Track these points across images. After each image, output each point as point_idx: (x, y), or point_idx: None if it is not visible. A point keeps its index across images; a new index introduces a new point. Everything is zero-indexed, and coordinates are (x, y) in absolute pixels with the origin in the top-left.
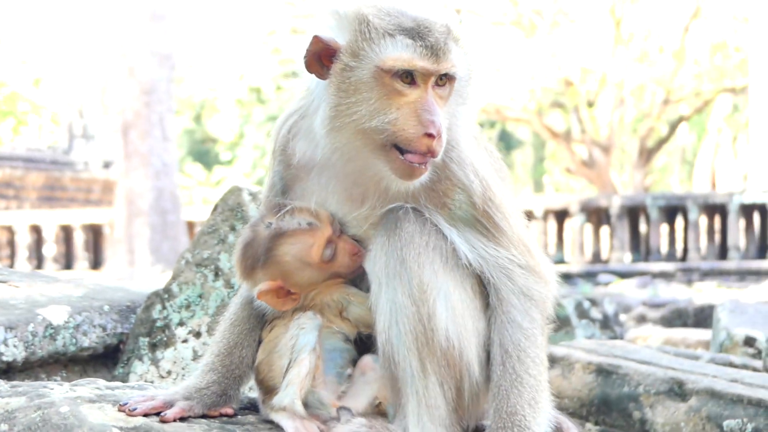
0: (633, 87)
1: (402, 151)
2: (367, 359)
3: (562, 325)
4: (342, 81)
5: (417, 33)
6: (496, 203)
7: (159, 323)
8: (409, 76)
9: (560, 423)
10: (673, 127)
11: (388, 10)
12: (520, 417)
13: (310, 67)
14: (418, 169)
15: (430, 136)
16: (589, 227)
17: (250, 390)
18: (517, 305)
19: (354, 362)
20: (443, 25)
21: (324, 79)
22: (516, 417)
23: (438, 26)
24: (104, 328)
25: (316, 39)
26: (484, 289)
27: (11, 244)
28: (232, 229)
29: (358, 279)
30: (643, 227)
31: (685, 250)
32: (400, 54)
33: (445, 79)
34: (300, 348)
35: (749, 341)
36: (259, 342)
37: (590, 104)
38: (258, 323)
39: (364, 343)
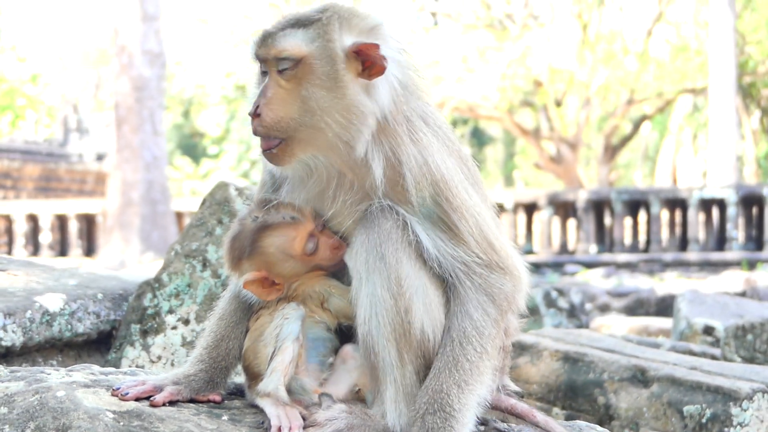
0: (599, 87)
1: None
2: (347, 348)
3: (530, 313)
4: None
5: (270, 25)
6: (453, 204)
7: (150, 311)
8: (264, 67)
9: (514, 407)
10: (637, 125)
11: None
12: (444, 395)
13: None
14: (265, 152)
15: (253, 116)
16: (556, 220)
17: (237, 375)
18: (472, 299)
19: (336, 351)
20: (308, 12)
21: None
22: (440, 395)
23: (294, 16)
24: (98, 315)
25: None
26: None
27: (9, 232)
28: (219, 222)
29: (339, 272)
30: (607, 220)
31: (648, 242)
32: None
33: (286, 64)
34: (284, 336)
35: (708, 330)
36: (247, 331)
37: (558, 103)
38: (244, 316)
39: (345, 333)
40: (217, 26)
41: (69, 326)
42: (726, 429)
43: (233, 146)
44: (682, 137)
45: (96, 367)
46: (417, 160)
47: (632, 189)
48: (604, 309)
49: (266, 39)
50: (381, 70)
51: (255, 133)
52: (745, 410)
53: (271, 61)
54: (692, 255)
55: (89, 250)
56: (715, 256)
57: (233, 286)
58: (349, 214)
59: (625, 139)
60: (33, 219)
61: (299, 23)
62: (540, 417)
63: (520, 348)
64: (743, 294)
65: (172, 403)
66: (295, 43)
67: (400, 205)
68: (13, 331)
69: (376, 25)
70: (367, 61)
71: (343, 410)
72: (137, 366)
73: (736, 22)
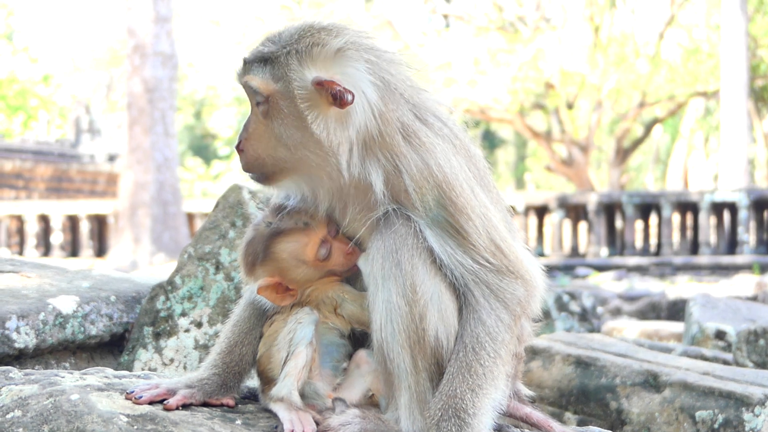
0: (610, 90)
1: None
2: (361, 353)
3: (542, 317)
4: None
5: (248, 52)
6: (458, 205)
7: (162, 313)
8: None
9: (529, 416)
10: (648, 128)
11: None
12: (459, 400)
13: None
14: (251, 176)
15: (238, 150)
16: (567, 223)
17: (250, 379)
18: (485, 306)
19: (349, 356)
20: (278, 41)
21: None
22: (455, 399)
23: (261, 49)
24: (111, 318)
25: None
26: None
27: (20, 232)
28: (233, 225)
29: (353, 277)
30: (619, 223)
31: (659, 245)
32: None
33: (259, 98)
34: (297, 341)
35: (720, 334)
36: (261, 336)
37: (570, 106)
38: (258, 322)
39: (358, 338)
40: (228, 28)
41: (82, 328)
42: None
43: None
44: (694, 140)
45: (110, 371)
46: (417, 166)
47: (643, 192)
48: (616, 313)
49: (243, 67)
50: (348, 101)
51: (242, 168)
52: (757, 416)
53: (248, 91)
54: (703, 258)
55: (100, 250)
56: (726, 259)
57: (248, 292)
58: (362, 221)
59: (637, 142)
60: (44, 219)
61: (265, 59)
62: (557, 428)
63: (532, 352)
64: (754, 298)
65: (185, 406)
66: (261, 81)
67: (409, 211)
68: (26, 333)
69: (339, 48)
70: (334, 94)
71: (356, 415)
72: (150, 369)
73: (748, 26)
